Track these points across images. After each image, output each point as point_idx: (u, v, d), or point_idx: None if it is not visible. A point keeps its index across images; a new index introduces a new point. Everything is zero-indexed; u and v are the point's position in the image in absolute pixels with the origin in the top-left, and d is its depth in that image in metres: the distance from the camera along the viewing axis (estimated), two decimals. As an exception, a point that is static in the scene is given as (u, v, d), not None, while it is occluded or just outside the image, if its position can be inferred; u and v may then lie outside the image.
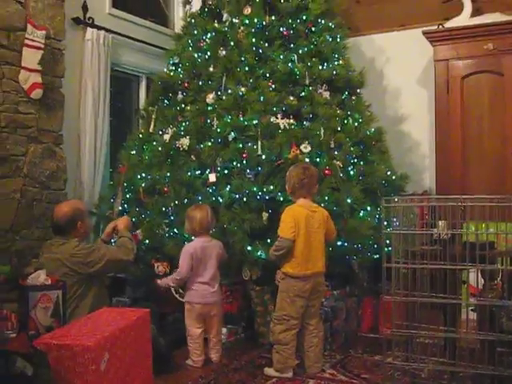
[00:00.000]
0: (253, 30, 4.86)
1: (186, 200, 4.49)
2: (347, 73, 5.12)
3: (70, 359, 2.20)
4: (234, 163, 4.45)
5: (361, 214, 4.53)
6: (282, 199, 4.24)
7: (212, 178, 4.46)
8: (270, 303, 4.28)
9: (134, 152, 5.12)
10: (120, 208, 4.80)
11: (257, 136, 4.45)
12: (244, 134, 4.51)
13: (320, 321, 3.83)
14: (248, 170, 4.40)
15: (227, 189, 4.37)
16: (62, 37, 4.87)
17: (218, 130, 4.58)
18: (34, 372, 2.13)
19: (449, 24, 5.56)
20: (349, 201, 4.45)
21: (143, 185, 4.76)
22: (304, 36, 5.01)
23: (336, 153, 4.62)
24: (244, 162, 4.42)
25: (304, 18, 5.03)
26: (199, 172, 4.57)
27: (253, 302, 4.38)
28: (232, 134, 4.53)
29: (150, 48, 5.99)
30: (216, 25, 5.06)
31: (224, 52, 4.90)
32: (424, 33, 5.57)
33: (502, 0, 5.59)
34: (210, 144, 4.58)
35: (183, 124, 4.85)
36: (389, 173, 4.97)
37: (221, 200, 4.35)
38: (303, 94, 4.76)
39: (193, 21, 5.36)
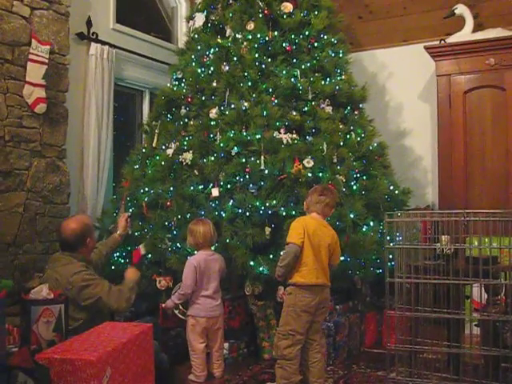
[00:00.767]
0: (256, 46, 4.88)
1: (188, 214, 4.50)
2: (350, 88, 5.14)
3: (72, 374, 2.19)
4: (237, 178, 4.46)
5: (364, 229, 4.53)
6: (284, 214, 4.24)
7: (215, 192, 4.46)
8: (273, 318, 4.27)
9: (137, 166, 5.13)
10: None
11: (260, 151, 4.46)
12: (247, 149, 4.52)
13: (323, 336, 3.81)
14: (251, 185, 4.41)
15: (230, 203, 4.37)
16: (66, 52, 4.90)
17: (221, 145, 4.59)
18: (35, 387, 2.12)
19: (451, 39, 5.59)
20: (351, 216, 4.45)
21: (146, 199, 4.76)
22: (307, 51, 5.04)
23: (338, 167, 4.63)
24: (247, 176, 4.42)
25: (306, 33, 5.05)
26: (202, 186, 4.58)
27: (255, 317, 4.37)
28: (235, 148, 4.54)
29: (154, 63, 6.02)
30: (219, 40, 5.09)
31: (227, 67, 4.92)
32: (426, 48, 5.60)
33: (503, 15, 5.62)
34: (212, 158, 4.59)
35: (186, 138, 4.86)
36: (391, 187, 4.97)
37: (223, 214, 4.34)
38: (306, 108, 4.77)
39: (196, 36, 5.38)
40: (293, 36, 4.99)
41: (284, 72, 4.83)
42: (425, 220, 3.85)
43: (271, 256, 4.15)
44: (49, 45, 4.62)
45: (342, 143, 4.76)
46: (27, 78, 4.53)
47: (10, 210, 4.42)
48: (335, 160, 4.65)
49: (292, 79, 4.79)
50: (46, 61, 4.60)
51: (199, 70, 5.10)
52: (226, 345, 4.19)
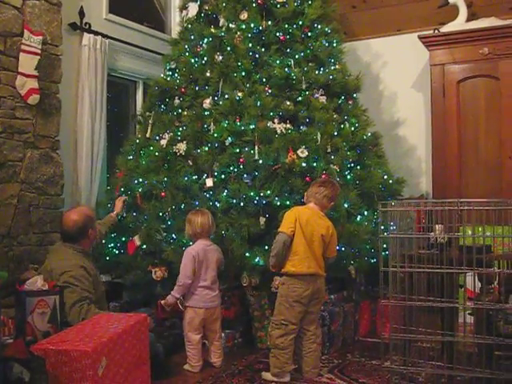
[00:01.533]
0: (249, 35, 4.87)
1: (183, 205, 4.50)
2: (343, 77, 5.14)
3: (67, 364, 2.20)
4: (231, 168, 4.46)
5: (358, 219, 4.54)
6: (279, 204, 4.24)
7: (209, 182, 4.47)
8: (268, 308, 4.28)
9: (131, 157, 5.12)
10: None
11: (254, 141, 4.46)
12: (241, 139, 4.52)
13: (318, 327, 3.83)
14: (245, 175, 4.41)
15: (224, 194, 4.37)
16: (58, 42, 4.87)
17: (215, 135, 4.58)
18: (31, 378, 2.12)
19: (444, 28, 5.58)
20: (346, 205, 4.46)
21: (140, 190, 4.76)
22: (300, 41, 5.02)
23: (333, 157, 4.63)
24: (241, 166, 4.42)
25: (300, 22, 5.04)
26: (196, 177, 4.58)
27: (250, 307, 4.38)
28: (229, 138, 4.53)
29: (147, 53, 5.99)
30: (212, 30, 5.07)
31: (221, 57, 4.91)
32: (420, 37, 5.59)
33: (497, 4, 5.62)
34: (206, 149, 4.58)
35: (180, 129, 4.85)
36: (385, 177, 4.98)
37: (218, 205, 4.35)
38: (300, 98, 4.77)
39: (189, 26, 5.37)
40: (286, 25, 4.98)
41: (278, 62, 4.82)
42: (419, 209, 3.86)
43: (266, 247, 4.16)
44: (41, 35, 4.59)
45: (336, 133, 4.76)
46: (20, 69, 4.50)
47: (4, 202, 4.40)
48: (329, 150, 4.65)
49: (286, 69, 4.78)
50: (39, 51, 4.56)
51: (193, 60, 5.09)
52: (222, 335, 4.20)
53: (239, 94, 4.67)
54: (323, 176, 4.37)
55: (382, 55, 6.37)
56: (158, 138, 4.99)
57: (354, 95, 5.29)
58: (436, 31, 5.62)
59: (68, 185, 5.04)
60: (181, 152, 4.70)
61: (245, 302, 4.45)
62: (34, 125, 4.65)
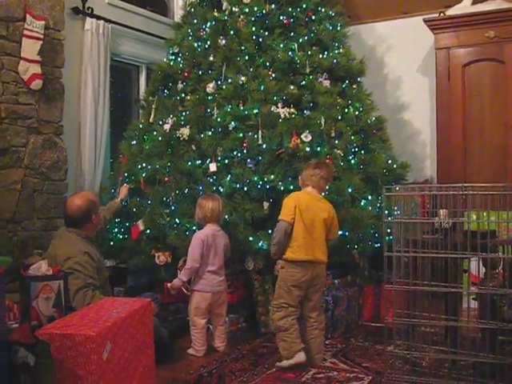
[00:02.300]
0: (253, 19, 4.84)
1: (186, 190, 4.50)
2: (348, 61, 5.11)
3: (72, 349, 2.21)
4: (235, 153, 4.45)
5: (362, 203, 4.54)
6: (282, 188, 4.24)
7: (212, 167, 4.46)
8: (272, 292, 4.28)
9: (134, 142, 5.11)
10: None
11: (257, 125, 4.45)
12: (244, 124, 4.50)
13: (321, 313, 3.83)
14: (248, 160, 4.40)
15: (228, 178, 4.36)
16: (61, 27, 4.84)
17: (219, 120, 4.57)
18: (36, 362, 2.13)
19: (450, 12, 5.54)
20: (350, 190, 4.45)
21: (144, 175, 4.76)
22: (304, 24, 5.00)
23: (336, 142, 4.62)
24: (244, 151, 4.41)
25: (304, 6, 5.01)
26: (200, 162, 4.57)
27: (254, 292, 4.39)
28: (232, 123, 4.52)
29: (150, 37, 5.96)
30: (216, 14, 5.03)
31: (224, 41, 4.88)
32: (425, 20, 5.55)
33: (503, -13, 5.55)
34: (210, 133, 4.57)
35: (183, 114, 4.84)
36: (390, 161, 4.96)
37: (221, 190, 4.34)
38: (303, 82, 4.75)
39: (192, 10, 5.34)
40: (290, 9, 4.95)
41: (281, 46, 4.79)
42: (423, 194, 3.85)
43: (270, 231, 4.16)
44: (44, 20, 4.56)
45: (339, 117, 4.74)
46: (22, 54, 4.48)
47: (8, 187, 4.41)
48: (333, 134, 4.64)
49: (289, 53, 4.76)
50: (41, 36, 4.54)
51: (196, 45, 5.06)
52: (226, 319, 4.22)
53: (242, 79, 4.65)
54: (327, 160, 4.35)
55: (387, 39, 6.32)
56: (161, 122, 4.98)
57: (358, 79, 5.26)
58: (441, 14, 5.57)
59: (72, 170, 5.04)
60: (184, 137, 4.69)
61: (249, 286, 4.46)
62: (38, 110, 4.64)
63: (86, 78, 5.19)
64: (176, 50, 5.25)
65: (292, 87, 4.68)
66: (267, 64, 4.73)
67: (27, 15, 4.46)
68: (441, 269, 3.32)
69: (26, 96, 4.54)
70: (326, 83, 4.84)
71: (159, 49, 5.85)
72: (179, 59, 5.17)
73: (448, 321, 3.32)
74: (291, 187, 4.25)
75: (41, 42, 4.54)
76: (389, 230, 3.69)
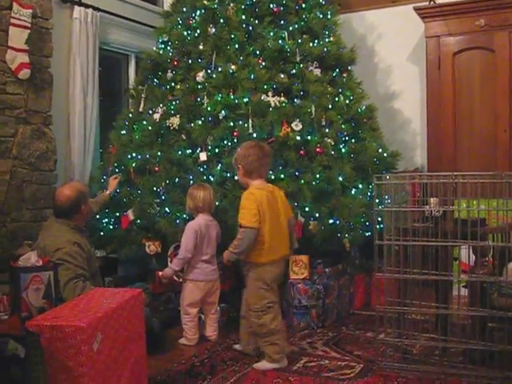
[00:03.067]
0: (242, 7, 4.81)
1: (176, 179, 4.49)
2: (338, 50, 5.10)
3: (62, 340, 2.19)
4: (225, 142, 4.43)
5: (352, 192, 4.54)
6: (273, 177, 4.23)
7: (203, 156, 4.45)
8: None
9: (124, 132, 5.08)
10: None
11: (247, 114, 4.43)
12: (235, 113, 4.49)
13: None
14: (239, 149, 4.38)
15: (218, 167, 4.35)
16: (48, 15, 4.79)
17: (209, 109, 4.55)
18: (26, 354, 2.12)
19: (440, 0, 5.52)
20: (340, 179, 4.45)
21: (134, 164, 4.74)
22: (294, 12, 4.97)
23: (327, 130, 4.61)
24: (235, 140, 4.40)
25: (294, -6, 4.98)
26: (190, 151, 4.55)
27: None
28: (223, 112, 4.50)
29: (139, 26, 5.92)
30: (205, 2, 4.99)
31: (213, 29, 4.85)
32: (415, 9, 5.54)
33: (493, -25, 5.54)
34: (200, 123, 4.55)
35: (173, 103, 4.81)
36: (380, 150, 4.97)
37: (212, 179, 4.33)
38: (294, 71, 4.73)
39: (182, -2, 5.29)
40: (280, -3, 4.92)
41: (271, 34, 4.77)
42: (413, 182, 3.85)
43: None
44: (31, 8, 4.51)
45: (330, 106, 4.74)
46: (9, 43, 4.43)
47: (-3, 178, 4.38)
48: (324, 123, 4.64)
49: (279, 41, 4.74)
50: (29, 25, 4.49)
51: (185, 33, 5.03)
52: (218, 309, 4.22)
53: (232, 67, 4.63)
54: (317, 149, 4.36)
55: (377, 27, 6.31)
56: (150, 112, 4.95)
57: (349, 68, 5.25)
58: (431, 3, 5.57)
59: (61, 160, 5.00)
60: (174, 126, 4.67)
61: (239, 275, 4.45)
62: (26, 100, 4.60)
63: (75, 68, 5.15)
64: (165, 39, 5.21)
65: (282, 76, 4.66)
66: (257, 52, 4.71)
67: (14, 3, 4.40)
68: (431, 257, 3.33)
69: (14, 86, 4.50)
70: (317, 72, 4.83)
71: (148, 37, 5.80)
72: (169, 48, 5.13)
73: (438, 308, 3.34)
74: (281, 176, 4.24)
75: (28, 31, 4.49)
76: (379, 219, 3.71)
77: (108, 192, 4.60)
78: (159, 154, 4.65)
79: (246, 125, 4.40)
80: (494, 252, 3.34)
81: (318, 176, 4.34)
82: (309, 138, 4.46)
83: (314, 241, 4.23)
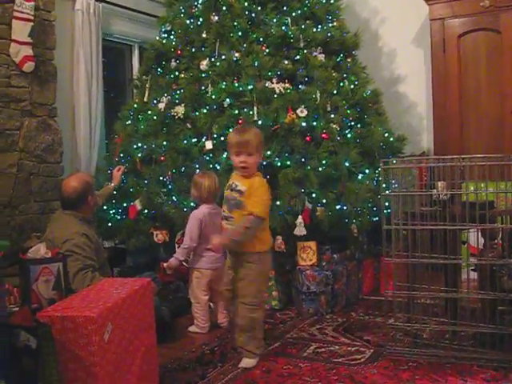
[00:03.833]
0: (245, -6, 4.78)
1: (183, 168, 4.49)
2: (342, 34, 5.07)
3: (73, 331, 2.21)
4: (230, 130, 4.42)
5: (359, 177, 4.53)
6: (279, 164, 4.22)
7: (208, 145, 4.44)
8: (271, 268, 4.30)
9: (129, 122, 5.08)
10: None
11: (252, 101, 4.42)
12: (239, 100, 4.48)
13: None
14: (245, 137, 4.37)
15: (224, 156, 4.35)
16: (51, 8, 4.78)
17: (213, 97, 4.54)
18: (37, 345, 2.13)
19: (444, -19, 5.48)
20: (347, 164, 4.44)
21: (140, 154, 4.74)
22: (297, -2, 4.94)
23: (332, 116, 4.60)
24: (240, 128, 4.39)
25: (296, -21, 4.95)
26: (195, 140, 4.55)
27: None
28: (227, 100, 4.50)
29: (142, 16, 5.90)
30: (207, -11, 4.97)
31: (216, 17, 4.83)
32: (419, -9, 5.49)
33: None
34: (205, 111, 4.55)
35: (178, 92, 4.80)
36: (386, 135, 4.95)
37: (218, 167, 4.33)
38: (298, 57, 4.71)
39: (184, -14, 5.27)
40: (282, -18, 4.89)
41: (274, 20, 4.75)
42: (420, 166, 3.84)
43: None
44: (33, 1, 4.50)
45: (335, 91, 4.72)
46: (13, 36, 4.44)
47: (4, 171, 4.39)
48: (329, 108, 4.62)
49: (283, 27, 4.71)
50: (32, 18, 4.49)
51: (188, 22, 5.01)
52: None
53: (236, 55, 4.62)
54: (323, 135, 4.36)
55: (381, 11, 6.27)
56: (155, 101, 4.95)
57: (353, 52, 5.23)
58: (435, -16, 5.51)
59: (67, 152, 5.02)
60: (179, 115, 4.67)
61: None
62: (31, 92, 4.61)
63: (79, 59, 5.15)
64: (168, 28, 5.19)
65: (286, 62, 4.64)
66: (261, 39, 4.69)
67: (16, -4, 4.40)
68: (440, 241, 3.32)
69: (19, 79, 4.50)
70: (321, 57, 4.81)
71: (151, 27, 5.79)
72: (172, 37, 5.12)
73: (448, 292, 3.34)
74: (288, 163, 4.24)
75: (31, 24, 4.49)
76: (387, 204, 3.69)
77: (113, 184, 4.59)
78: (165, 143, 4.65)
79: (250, 112, 4.39)
80: (503, 234, 3.32)
81: (324, 162, 4.33)
82: (314, 123, 4.45)
83: (322, 227, 4.23)
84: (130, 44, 6.13)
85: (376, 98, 5.15)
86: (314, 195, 4.25)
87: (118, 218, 4.74)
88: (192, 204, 4.21)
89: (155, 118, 4.80)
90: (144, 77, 5.26)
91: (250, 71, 4.51)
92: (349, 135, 4.65)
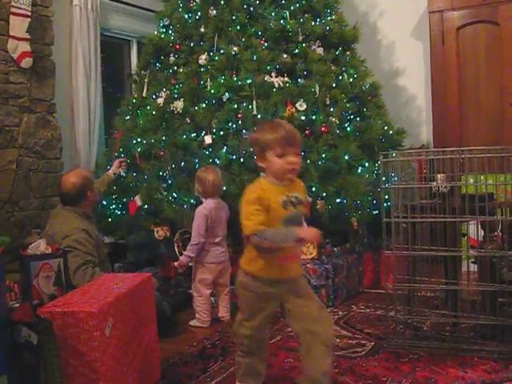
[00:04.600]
0: (243, -12, 4.78)
1: (182, 163, 4.49)
2: (340, 28, 5.06)
3: (74, 326, 2.21)
4: (230, 124, 4.43)
5: (359, 171, 4.53)
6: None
7: (208, 139, 4.44)
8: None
9: (128, 117, 5.08)
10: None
11: (251, 95, 4.42)
12: (238, 94, 4.47)
13: None
14: (244, 131, 4.38)
15: (224, 150, 4.34)
16: (48, 3, 4.77)
17: (212, 91, 4.54)
18: (39, 340, 2.14)
19: (442, -27, 5.47)
20: (346, 157, 4.44)
21: (139, 150, 4.74)
22: (295, -9, 4.93)
23: (332, 109, 4.59)
24: (239, 122, 4.39)
25: (294, -27, 4.93)
26: (195, 134, 4.55)
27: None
28: (226, 94, 4.49)
29: (140, 11, 5.89)
30: (205, -17, 4.96)
31: (215, 11, 4.82)
32: (417, -17, 5.48)
33: None
34: (204, 106, 4.54)
35: (176, 87, 4.80)
36: (385, 128, 4.95)
37: (218, 162, 4.33)
38: (296, 51, 4.71)
39: (182, -19, 5.26)
40: (280, -24, 4.88)
41: (273, 14, 4.74)
42: (420, 159, 3.83)
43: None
44: (30, -4, 4.50)
45: (334, 85, 4.71)
46: (11, 32, 4.43)
47: (3, 168, 4.39)
48: (328, 102, 4.61)
49: (281, 21, 4.71)
50: (29, 13, 4.49)
51: (186, 16, 5.00)
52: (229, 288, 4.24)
53: (235, 49, 4.61)
54: (322, 129, 4.36)
55: (379, 4, 6.26)
56: (154, 96, 4.95)
57: (352, 46, 5.22)
58: (434, -24, 5.50)
59: (66, 148, 5.02)
60: (178, 110, 4.67)
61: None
62: (29, 89, 4.61)
63: (77, 55, 5.15)
64: (167, 23, 5.19)
65: (285, 56, 4.64)
66: (259, 33, 4.69)
67: (13, -8, 4.39)
68: (440, 233, 3.32)
69: (17, 75, 4.50)
70: (320, 51, 4.80)
71: (150, 22, 5.78)
72: (170, 32, 5.11)
73: (448, 285, 3.34)
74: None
75: (29, 20, 4.48)
76: (386, 197, 3.69)
77: (111, 171, 4.54)
78: (164, 138, 4.65)
79: (250, 106, 4.39)
80: (503, 226, 3.33)
81: (323, 155, 4.33)
82: (314, 117, 4.44)
83: (322, 220, 4.23)
84: (128, 39, 6.12)
85: (375, 91, 5.15)
86: (313, 189, 4.25)
87: (118, 213, 4.74)
88: (192, 201, 4.20)
89: (154, 112, 4.79)
90: (143, 72, 5.26)
91: (249, 65, 4.51)
92: (348, 128, 4.65)
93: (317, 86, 4.57)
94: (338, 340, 3.50)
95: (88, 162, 5.17)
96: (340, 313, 4.09)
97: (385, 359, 3.13)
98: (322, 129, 4.40)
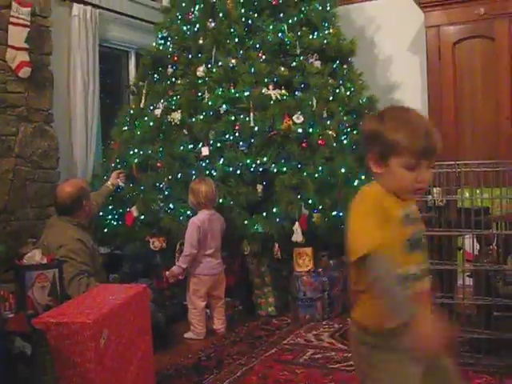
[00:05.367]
0: (241, 1, 4.79)
1: (179, 174, 4.49)
2: (338, 41, 5.08)
3: (68, 337, 2.20)
4: (227, 136, 4.43)
5: (355, 184, 4.53)
6: (275, 170, 4.23)
7: (205, 151, 4.45)
8: (268, 275, 4.30)
9: (125, 128, 5.08)
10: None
11: (249, 108, 4.43)
12: (236, 107, 4.49)
13: None
14: (241, 143, 4.39)
15: (220, 162, 4.35)
16: (48, 13, 4.78)
17: (210, 103, 4.55)
18: (33, 351, 2.13)
19: (439, -11, 5.50)
20: (343, 170, 4.45)
21: (136, 161, 4.74)
22: (293, 5, 4.95)
23: (329, 122, 4.61)
24: (237, 134, 4.40)
25: (292, -14, 4.97)
26: (192, 146, 4.55)
27: (250, 275, 4.39)
28: (224, 106, 4.50)
29: (138, 22, 5.90)
30: (204, -4, 4.99)
31: (213, 24, 4.84)
32: (414, -2, 5.52)
33: (492, -37, 5.52)
34: (201, 117, 4.55)
35: (174, 98, 4.81)
36: (382, 141, 4.95)
37: (214, 173, 4.33)
38: (294, 64, 4.72)
39: (180, -7, 5.28)
40: (279, -11, 4.90)
41: (271, 27, 4.76)
42: (416, 173, 3.83)
43: (264, 214, 4.17)
44: (30, 6, 4.49)
45: (331, 98, 4.73)
46: (9, 42, 4.43)
47: (0, 177, 4.38)
48: (325, 115, 4.63)
49: (279, 34, 4.73)
50: (28, 23, 4.48)
51: (185, 28, 5.02)
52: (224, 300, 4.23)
53: (233, 61, 4.63)
54: (319, 141, 4.37)
55: (377, 18, 6.28)
56: (152, 107, 4.95)
57: (349, 59, 5.24)
58: (430, -8, 5.53)
59: (63, 158, 5.01)
60: (176, 121, 4.67)
61: (244, 269, 4.46)
62: (27, 98, 4.60)
63: (75, 65, 5.15)
64: (165, 34, 5.21)
65: (283, 69, 4.66)
66: (257, 46, 4.70)
67: (13, 2, 4.39)
68: (435, 246, 3.33)
69: (15, 84, 4.49)
70: (317, 64, 4.82)
71: (148, 33, 5.79)
72: (168, 43, 5.13)
73: (443, 298, 3.34)
74: (284, 169, 4.25)
75: (28, 30, 4.48)
76: (383, 210, 3.69)
77: (109, 183, 4.55)
78: (161, 149, 4.65)
79: (247, 118, 4.40)
80: (498, 240, 3.33)
81: (320, 168, 4.34)
82: (310, 130, 4.46)
83: (318, 233, 4.23)
84: (126, 50, 6.12)
85: (372, 105, 5.16)
86: (310, 201, 4.26)
87: (115, 223, 4.73)
88: (188, 212, 4.21)
89: (151, 124, 4.80)
90: (140, 83, 5.27)
91: (247, 78, 4.52)
92: (345, 142, 4.66)
93: (314, 99, 4.59)
94: (333, 353, 3.49)
95: (85, 172, 5.17)
96: (336, 325, 4.09)
97: (380, 373, 3.12)
98: (319, 142, 4.41)
